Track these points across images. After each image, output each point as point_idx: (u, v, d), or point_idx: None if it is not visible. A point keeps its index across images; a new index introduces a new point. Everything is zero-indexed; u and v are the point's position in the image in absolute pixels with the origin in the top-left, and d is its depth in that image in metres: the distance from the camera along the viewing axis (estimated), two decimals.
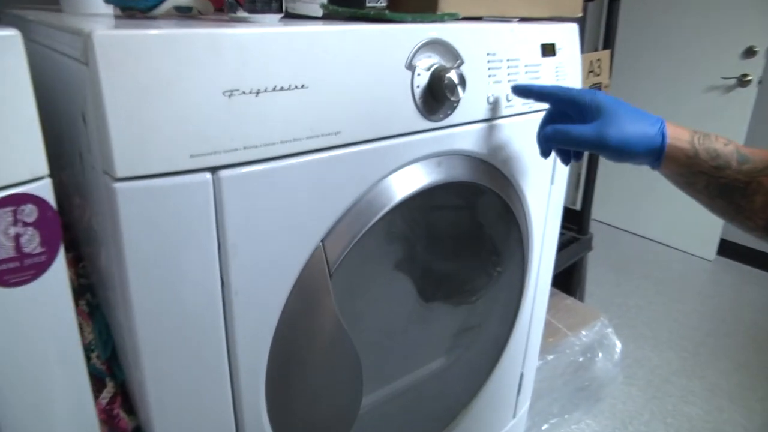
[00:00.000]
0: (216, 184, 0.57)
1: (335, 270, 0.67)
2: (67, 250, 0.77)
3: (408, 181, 0.72)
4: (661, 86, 2.90)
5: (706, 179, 0.68)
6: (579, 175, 3.08)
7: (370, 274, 0.84)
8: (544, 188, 0.95)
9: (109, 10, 0.77)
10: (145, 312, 0.59)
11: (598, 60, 1.65)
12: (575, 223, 2.04)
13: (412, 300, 0.93)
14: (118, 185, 0.53)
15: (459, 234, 0.94)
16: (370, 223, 0.68)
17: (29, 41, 0.71)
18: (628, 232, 3.23)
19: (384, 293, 0.89)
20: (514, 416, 1.21)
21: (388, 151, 0.70)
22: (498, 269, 0.95)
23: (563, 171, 0.99)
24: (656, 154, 0.69)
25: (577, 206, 2.08)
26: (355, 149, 0.67)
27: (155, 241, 0.56)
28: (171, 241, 0.57)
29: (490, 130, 0.81)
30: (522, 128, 0.86)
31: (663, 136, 0.68)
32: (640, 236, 3.17)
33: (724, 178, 0.67)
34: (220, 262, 0.60)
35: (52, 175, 0.55)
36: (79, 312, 0.71)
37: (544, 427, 1.72)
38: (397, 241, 0.85)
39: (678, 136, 0.69)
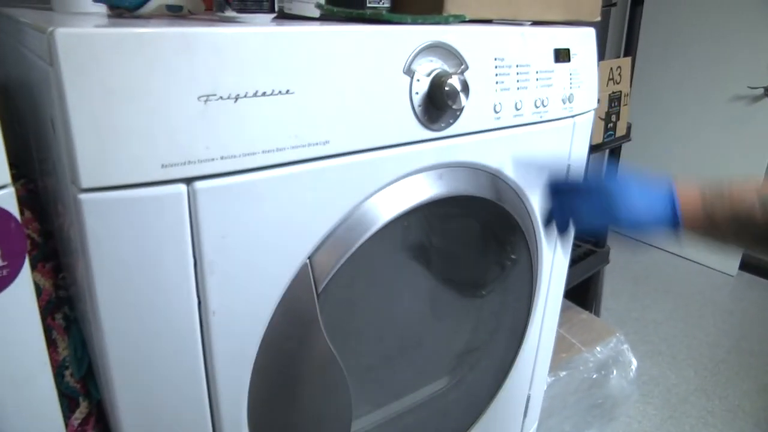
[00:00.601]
0: (191, 197, 0.53)
1: (323, 289, 0.63)
2: (48, 260, 0.74)
3: (405, 195, 0.67)
4: (683, 95, 2.82)
5: (734, 237, 0.64)
6: None
7: (363, 291, 0.79)
8: None
9: (100, 9, 0.73)
10: (115, 330, 0.55)
11: (618, 67, 1.60)
12: (592, 235, 1.97)
13: (411, 318, 0.88)
14: (83, 196, 0.49)
15: (462, 249, 0.89)
16: (362, 240, 0.64)
17: (17, 43, 0.68)
18: (647, 244, 3.15)
19: (378, 312, 0.84)
20: None
21: (383, 162, 0.65)
22: (503, 287, 0.90)
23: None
24: (672, 227, 0.66)
25: None
26: (346, 160, 0.62)
27: (125, 256, 0.52)
28: (142, 257, 0.53)
29: (497, 141, 0.76)
30: (531, 139, 0.81)
31: (674, 209, 0.65)
32: (660, 249, 3.09)
33: (751, 232, 0.62)
34: (196, 279, 0.56)
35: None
36: (54, 326, 0.68)
37: None
38: (394, 257, 0.80)
39: (690, 201, 0.64)
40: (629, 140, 1.80)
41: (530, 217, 0.85)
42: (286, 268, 0.61)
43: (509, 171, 0.79)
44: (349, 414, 0.72)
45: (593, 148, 0.96)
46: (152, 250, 0.53)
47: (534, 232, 0.87)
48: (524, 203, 0.83)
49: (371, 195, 0.65)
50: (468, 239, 0.89)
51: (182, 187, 0.52)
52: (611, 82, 1.59)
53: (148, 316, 0.55)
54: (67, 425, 0.64)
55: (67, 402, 0.65)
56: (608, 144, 1.71)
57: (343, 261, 0.63)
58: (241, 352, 0.61)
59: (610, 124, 1.65)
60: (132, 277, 0.53)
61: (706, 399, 1.95)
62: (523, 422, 1.12)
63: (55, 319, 0.68)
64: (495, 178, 0.78)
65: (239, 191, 0.55)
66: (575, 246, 1.03)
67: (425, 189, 0.69)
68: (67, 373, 0.66)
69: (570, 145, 0.87)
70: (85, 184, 0.49)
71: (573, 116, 0.86)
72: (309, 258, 0.62)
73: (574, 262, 0.99)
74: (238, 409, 0.64)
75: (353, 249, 0.63)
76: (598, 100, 1.10)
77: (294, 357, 0.65)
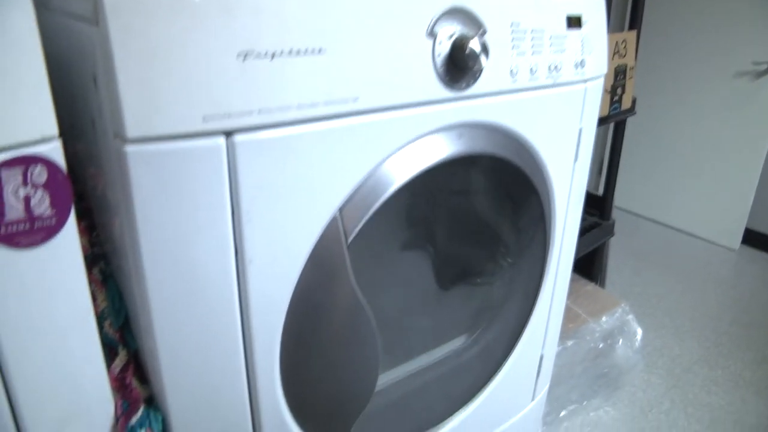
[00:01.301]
0: (230, 149, 0.56)
1: (352, 241, 0.66)
2: (81, 219, 0.77)
3: (428, 152, 0.70)
4: (688, 70, 2.82)
5: None
6: (602, 161, 3.04)
7: (387, 248, 0.82)
8: (567, 164, 0.92)
9: None
10: (156, 278, 0.58)
11: (624, 41, 1.61)
12: (597, 208, 2.00)
13: (431, 277, 0.91)
14: (128, 148, 0.52)
15: (480, 210, 0.92)
16: (388, 193, 0.66)
17: (45, 9, 0.70)
18: (650, 220, 3.18)
19: (402, 269, 0.87)
20: (532, 399, 1.19)
21: (408, 120, 0.68)
22: (519, 247, 0.93)
23: (587, 147, 0.96)
24: None
25: (600, 191, 2.04)
26: (374, 117, 0.65)
27: (167, 206, 0.55)
28: (183, 207, 0.56)
29: (514, 103, 0.79)
30: (546, 102, 0.83)
31: None
32: (663, 224, 3.11)
33: None
34: (233, 229, 0.59)
35: (66, 145, 0.54)
36: (92, 279, 0.71)
37: (562, 414, 1.69)
38: (416, 215, 0.83)
39: None
40: (634, 114, 1.82)
41: (545, 178, 0.88)
42: (318, 220, 0.64)
43: (525, 132, 0.82)
44: (377, 362, 0.75)
45: (599, 121, 0.99)
46: (193, 201, 0.56)
47: (548, 192, 0.90)
48: (539, 164, 0.86)
49: (396, 151, 0.68)
50: (485, 200, 0.92)
51: (222, 140, 0.55)
52: (617, 56, 1.61)
53: (188, 265, 0.58)
54: (108, 373, 0.66)
55: (107, 351, 0.68)
56: (614, 117, 1.73)
57: (371, 213, 0.66)
58: (275, 300, 0.64)
59: (616, 97, 1.67)
60: (173, 227, 0.56)
61: (708, 369, 1.98)
62: (536, 381, 1.15)
63: (92, 272, 0.71)
64: (512, 139, 0.80)
65: (275, 145, 0.58)
66: (581, 219, 1.05)
67: (446, 147, 0.72)
68: (106, 323, 0.69)
69: (582, 109, 0.90)
70: (130, 135, 0.51)
71: (585, 81, 0.89)
72: (339, 210, 0.65)
73: (579, 234, 1.01)
74: (270, 355, 0.67)
75: (380, 202, 0.66)
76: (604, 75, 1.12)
77: (324, 305, 0.68)
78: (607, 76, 1.62)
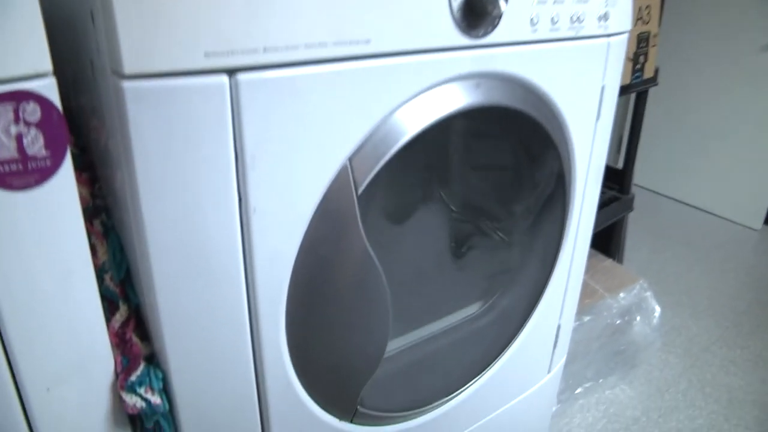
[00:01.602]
0: (233, 88, 0.53)
1: (363, 191, 0.63)
2: (83, 171, 0.74)
3: (444, 101, 0.66)
4: (714, 41, 2.73)
5: None
6: (621, 137, 2.98)
7: (399, 204, 0.79)
8: (589, 123, 0.88)
9: None
10: (155, 227, 0.55)
11: (648, 6, 1.56)
12: (617, 182, 1.96)
13: (445, 236, 0.88)
14: (126, 84, 0.49)
15: (497, 167, 0.88)
16: (401, 143, 0.63)
17: None
18: (670, 198, 3.12)
19: (414, 227, 0.84)
20: (548, 371, 1.16)
21: (422, 66, 0.64)
22: (537, 208, 0.90)
23: (610, 107, 0.92)
24: None
25: (619, 165, 2.00)
26: (386, 62, 0.61)
27: (166, 148, 0.52)
28: (184, 150, 0.53)
29: (534, 54, 0.75)
30: (568, 55, 0.79)
31: None
32: (683, 203, 3.06)
33: None
34: (237, 175, 0.56)
35: (69, 97, 0.51)
36: (93, 231, 0.68)
37: (577, 391, 1.67)
38: (430, 169, 0.80)
39: None
40: (656, 84, 1.77)
41: (565, 136, 0.84)
42: (326, 168, 0.61)
43: (546, 86, 0.78)
44: (387, 322, 0.72)
45: (620, 90, 0.95)
46: (194, 143, 0.53)
47: (569, 151, 0.86)
48: (560, 121, 0.82)
49: (410, 99, 0.64)
50: (503, 156, 0.88)
51: (225, 78, 0.52)
52: (640, 22, 1.56)
53: (188, 213, 0.56)
54: (108, 328, 0.64)
55: (107, 305, 0.65)
56: (636, 86, 1.69)
57: (382, 164, 0.62)
58: (281, 252, 0.61)
59: (638, 65, 1.62)
60: (172, 171, 0.53)
61: (727, 349, 1.94)
62: (553, 353, 1.12)
63: (93, 225, 0.68)
64: (532, 92, 0.77)
65: (282, 85, 0.55)
66: (600, 192, 1.01)
67: (463, 97, 0.68)
68: (107, 276, 0.66)
69: (605, 65, 0.85)
70: (128, 70, 0.48)
71: (608, 36, 0.84)
72: (349, 159, 0.61)
73: (598, 208, 0.98)
74: (275, 311, 0.64)
75: (392, 152, 0.63)
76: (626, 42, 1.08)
77: (333, 259, 0.65)
78: (629, 43, 1.57)
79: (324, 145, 0.59)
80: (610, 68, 0.87)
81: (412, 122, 0.64)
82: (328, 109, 0.58)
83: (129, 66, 0.48)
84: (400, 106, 0.64)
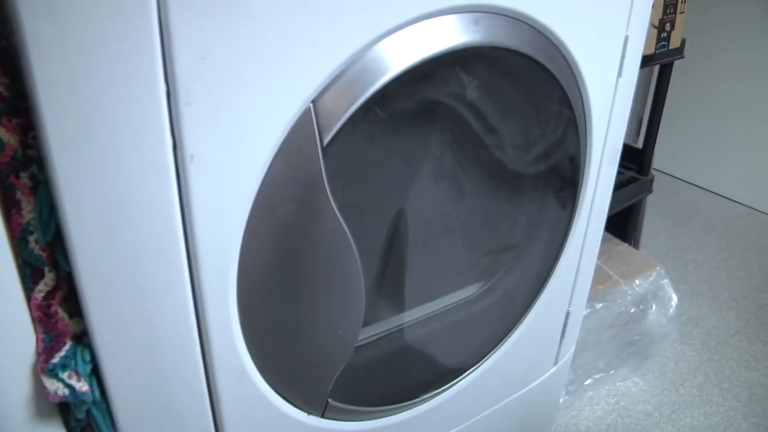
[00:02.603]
0: (161, 2, 0.41)
1: (329, 142, 0.51)
2: (16, 116, 0.64)
3: (433, 38, 0.55)
4: (745, 14, 2.58)
5: None
6: (642, 117, 2.85)
7: (378, 163, 0.67)
8: (610, 79, 0.76)
9: None
10: (70, 177, 0.45)
11: None
12: (635, 162, 1.85)
13: (438, 204, 0.77)
14: None
15: (499, 121, 0.76)
16: (380, 83, 0.52)
17: None
18: (690, 183, 2.99)
19: (398, 193, 0.72)
20: (555, 362, 1.05)
21: None
22: (546, 174, 0.78)
23: (634, 62, 0.80)
24: None
25: (639, 145, 1.88)
26: None
27: (76, 75, 0.41)
28: (99, 78, 0.42)
29: None
30: None
31: None
32: (703, 189, 2.93)
33: None
34: (170, 114, 0.45)
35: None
36: (19, 186, 0.58)
37: (587, 382, 1.59)
38: (417, 120, 0.68)
39: None
40: (682, 57, 1.64)
41: (581, 90, 0.72)
42: (283, 111, 0.49)
43: (558, 30, 0.66)
44: (360, 303, 0.61)
45: (643, 61, 0.83)
46: (111, 71, 0.42)
47: (584, 108, 0.74)
48: (574, 72, 0.70)
49: (392, 32, 0.53)
50: (507, 109, 0.76)
51: None
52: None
53: (109, 158, 0.45)
54: (29, 299, 0.54)
55: (31, 272, 0.55)
56: (660, 58, 1.56)
57: (354, 108, 0.51)
58: (227, 210, 0.50)
59: (664, 34, 1.50)
60: (87, 107, 0.43)
61: (748, 342, 1.85)
62: (561, 342, 1.01)
63: (20, 178, 0.58)
64: (542, 36, 0.65)
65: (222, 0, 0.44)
66: (617, 172, 0.90)
67: (458, 34, 0.57)
68: (32, 238, 0.56)
69: (629, 11, 0.74)
70: None
71: None
72: (313, 102, 0.50)
73: (614, 188, 0.88)
74: (223, 283, 0.53)
75: (367, 94, 0.51)
76: (653, 6, 0.96)
77: (293, 224, 0.54)
78: (654, 8, 1.45)
79: (280, 81, 0.48)
80: (634, 16, 0.75)
81: (395, 59, 0.53)
82: (285, 36, 0.47)
83: None
84: (379, 38, 0.52)
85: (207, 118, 0.46)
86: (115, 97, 0.43)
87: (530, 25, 0.63)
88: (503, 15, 0.61)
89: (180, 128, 0.45)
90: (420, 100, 0.64)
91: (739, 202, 2.79)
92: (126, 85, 0.43)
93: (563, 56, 0.68)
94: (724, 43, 2.63)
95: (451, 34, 0.56)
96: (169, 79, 0.44)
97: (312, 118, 0.50)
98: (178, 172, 0.47)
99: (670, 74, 1.77)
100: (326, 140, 0.51)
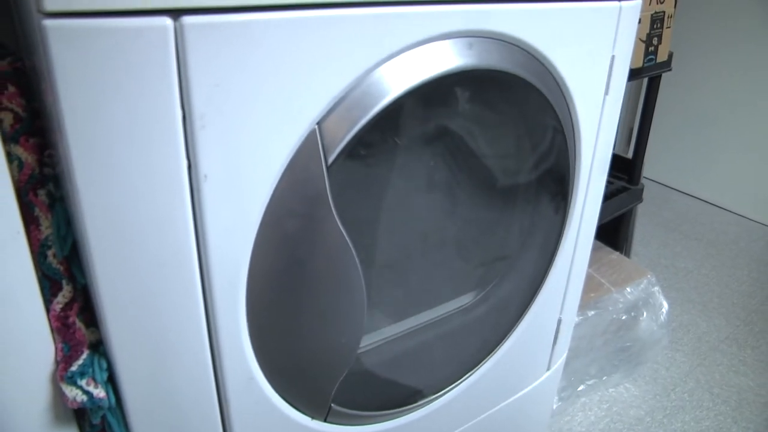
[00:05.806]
0: (178, 32, 0.45)
1: (333, 161, 0.55)
2: (33, 136, 0.67)
3: (431, 62, 0.58)
4: (730, 27, 2.62)
5: None
6: (632, 128, 2.88)
7: (379, 179, 0.70)
8: (597, 97, 0.80)
9: None
10: (90, 195, 0.48)
11: None
12: (625, 172, 1.88)
13: (433, 217, 0.80)
14: (48, 22, 0.41)
15: (491, 139, 0.80)
16: (379, 107, 0.55)
17: None
18: (681, 191, 3.03)
19: (396, 205, 0.75)
20: (548, 368, 1.08)
21: (405, 18, 0.56)
22: (537, 188, 0.81)
23: (620, 81, 0.83)
24: None
25: (629, 155, 1.92)
26: (363, 11, 0.53)
27: (99, 101, 0.45)
28: (121, 104, 0.45)
29: (536, 13, 0.67)
30: (574, 17, 0.71)
31: None
32: (694, 197, 2.97)
33: None
34: (185, 136, 0.48)
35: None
36: (37, 203, 0.61)
37: (579, 388, 1.61)
38: (415, 140, 0.71)
39: None
40: (670, 69, 1.68)
41: (569, 108, 0.76)
42: (291, 132, 0.53)
43: (548, 52, 0.69)
44: (362, 311, 0.64)
45: (632, 74, 0.86)
46: (133, 98, 0.45)
47: (573, 125, 0.78)
48: (563, 91, 0.74)
49: (391, 57, 0.56)
50: (499, 126, 0.80)
51: (168, 21, 0.44)
52: (654, 1, 1.47)
53: (128, 178, 0.48)
54: (49, 310, 0.57)
55: (50, 284, 0.58)
56: (648, 70, 1.60)
57: (356, 129, 0.54)
58: (239, 227, 0.54)
59: (651, 48, 1.53)
60: (108, 131, 0.46)
61: (737, 348, 1.87)
62: (553, 349, 1.04)
63: (38, 195, 0.61)
64: (532, 57, 0.68)
65: (234, 32, 0.47)
66: (607, 182, 0.93)
67: (453, 57, 0.60)
68: (50, 253, 0.59)
69: (615, 32, 0.77)
70: (49, 6, 0.41)
71: None
72: (318, 123, 0.53)
73: (605, 198, 0.90)
74: (234, 295, 0.56)
75: (369, 115, 0.55)
76: (640, 20, 0.99)
77: (300, 237, 0.57)
78: (642, 24, 1.48)
79: (288, 105, 0.52)
80: (621, 37, 0.78)
81: (394, 83, 0.56)
82: (292, 63, 0.50)
83: (51, 1, 0.41)
84: (379, 63, 0.56)
85: (220, 140, 0.49)
86: (135, 122, 0.46)
87: (521, 48, 0.67)
88: (496, 39, 0.64)
89: (194, 150, 0.49)
90: (418, 119, 0.68)
91: (728, 210, 2.82)
92: (145, 110, 0.46)
93: (552, 76, 0.72)
94: (711, 55, 2.67)
95: (447, 58, 0.60)
96: (185, 105, 0.47)
97: (317, 138, 0.54)
98: (192, 191, 0.50)
99: (658, 86, 1.81)
100: (331, 159, 0.55)
